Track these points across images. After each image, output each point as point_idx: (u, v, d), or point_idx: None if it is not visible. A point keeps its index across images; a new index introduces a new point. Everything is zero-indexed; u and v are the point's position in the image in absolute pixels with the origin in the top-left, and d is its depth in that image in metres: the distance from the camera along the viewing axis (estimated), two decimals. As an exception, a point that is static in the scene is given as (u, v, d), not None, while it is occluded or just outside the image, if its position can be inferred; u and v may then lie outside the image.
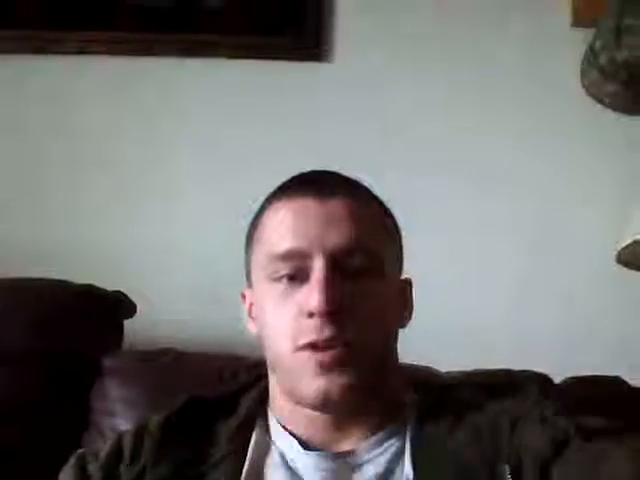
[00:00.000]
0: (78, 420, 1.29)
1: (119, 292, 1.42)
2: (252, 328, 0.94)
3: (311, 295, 0.82)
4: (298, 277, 0.85)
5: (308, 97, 1.67)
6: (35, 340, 1.33)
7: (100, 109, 1.68)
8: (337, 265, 0.85)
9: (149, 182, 1.68)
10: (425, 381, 0.97)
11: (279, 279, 0.86)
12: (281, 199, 0.90)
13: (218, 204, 1.64)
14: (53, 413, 1.30)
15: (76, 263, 1.56)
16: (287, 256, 0.85)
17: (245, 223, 0.95)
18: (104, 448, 0.91)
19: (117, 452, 0.90)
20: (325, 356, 0.82)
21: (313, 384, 0.83)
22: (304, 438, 0.88)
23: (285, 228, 0.87)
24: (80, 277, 1.41)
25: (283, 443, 0.89)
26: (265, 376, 0.94)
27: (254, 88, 1.67)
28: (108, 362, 1.33)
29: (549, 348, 1.48)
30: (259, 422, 0.92)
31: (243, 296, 0.95)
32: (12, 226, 1.65)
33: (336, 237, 0.85)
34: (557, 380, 1.18)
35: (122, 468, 0.88)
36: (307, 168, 0.94)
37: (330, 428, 0.88)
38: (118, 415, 1.27)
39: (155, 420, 0.92)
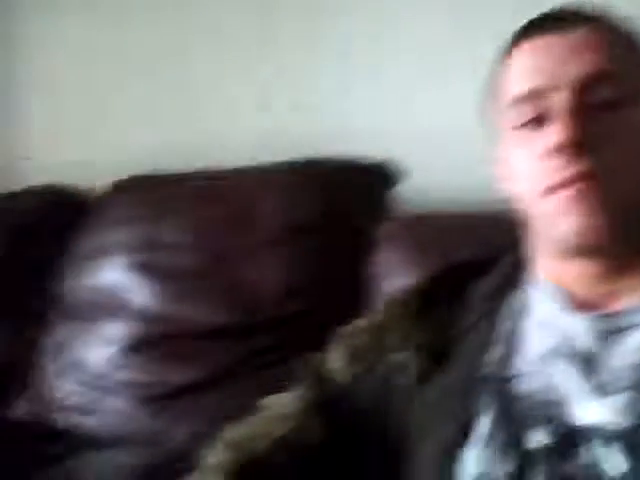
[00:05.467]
0: (355, 289, 1.36)
1: (382, 162, 1.46)
2: (504, 192, 0.89)
3: (556, 129, 0.79)
4: (543, 119, 0.81)
5: None
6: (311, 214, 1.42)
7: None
8: (583, 98, 0.80)
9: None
10: None
11: (522, 125, 0.82)
12: (517, 43, 0.86)
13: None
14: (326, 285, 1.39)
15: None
16: (527, 97, 0.82)
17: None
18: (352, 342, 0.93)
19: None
20: (572, 191, 0.78)
21: (564, 224, 0.79)
22: (568, 295, 0.82)
23: (523, 69, 0.84)
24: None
25: (546, 305, 0.84)
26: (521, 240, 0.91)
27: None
28: (381, 230, 1.38)
29: None
30: (518, 284, 0.88)
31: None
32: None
33: (579, 67, 0.80)
34: None
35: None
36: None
37: (597, 284, 0.81)
38: (394, 277, 1.31)
39: (412, 289, 0.93)
